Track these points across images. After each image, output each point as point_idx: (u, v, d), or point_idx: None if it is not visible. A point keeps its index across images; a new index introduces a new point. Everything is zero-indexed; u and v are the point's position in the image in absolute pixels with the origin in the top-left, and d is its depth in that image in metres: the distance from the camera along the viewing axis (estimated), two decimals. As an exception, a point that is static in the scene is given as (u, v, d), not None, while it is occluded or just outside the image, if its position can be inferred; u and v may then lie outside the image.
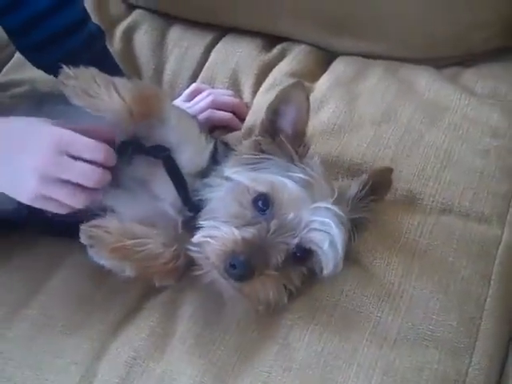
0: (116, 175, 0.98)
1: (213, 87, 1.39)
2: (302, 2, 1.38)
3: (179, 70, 1.44)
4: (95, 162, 0.91)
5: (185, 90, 1.38)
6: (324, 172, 0.97)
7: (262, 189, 0.94)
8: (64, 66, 0.95)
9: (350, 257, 1.02)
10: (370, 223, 1.02)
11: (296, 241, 0.92)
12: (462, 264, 1.02)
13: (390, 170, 1.06)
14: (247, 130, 1.25)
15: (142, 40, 1.48)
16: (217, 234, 0.91)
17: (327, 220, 0.92)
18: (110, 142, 0.95)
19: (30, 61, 1.24)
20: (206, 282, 0.95)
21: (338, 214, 0.93)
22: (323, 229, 0.92)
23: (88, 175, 0.91)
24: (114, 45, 1.45)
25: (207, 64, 1.43)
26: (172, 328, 0.99)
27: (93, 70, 0.96)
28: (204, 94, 1.35)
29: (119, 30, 1.49)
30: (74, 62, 0.97)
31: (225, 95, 1.36)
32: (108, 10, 1.52)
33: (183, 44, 1.46)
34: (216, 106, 1.32)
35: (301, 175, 0.94)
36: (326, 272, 0.96)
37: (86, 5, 1.28)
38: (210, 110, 1.31)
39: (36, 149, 0.90)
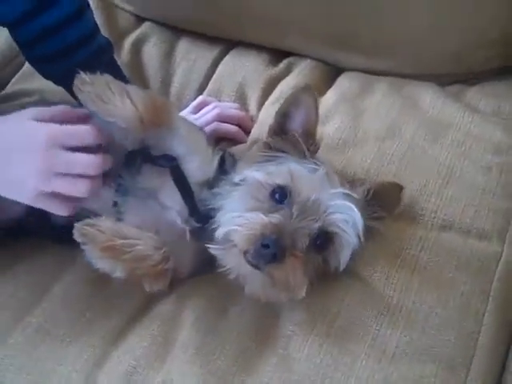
0: (125, 184, 1.02)
1: (219, 100, 1.41)
2: (309, 17, 1.39)
3: (186, 83, 1.46)
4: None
5: (191, 102, 1.40)
6: (334, 168, 1.01)
7: (278, 181, 0.97)
8: (81, 72, 0.98)
9: (350, 270, 1.03)
10: (375, 233, 1.03)
11: (318, 224, 0.94)
12: (462, 280, 1.03)
13: (400, 188, 1.08)
14: (252, 143, 1.26)
15: (151, 52, 1.50)
16: (243, 221, 0.92)
17: (348, 203, 0.95)
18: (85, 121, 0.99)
19: (39, 72, 1.26)
20: (232, 277, 0.96)
21: (357, 200, 0.97)
22: (344, 211, 0.95)
23: (86, 163, 0.94)
24: (123, 56, 1.47)
25: (214, 77, 1.45)
26: (173, 337, 1.00)
27: (107, 77, 0.99)
28: (210, 106, 1.37)
29: (128, 42, 1.51)
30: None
31: (231, 108, 1.38)
32: (117, 22, 1.54)
33: (191, 57, 1.49)
34: (222, 118, 1.34)
35: (315, 166, 0.98)
36: (345, 258, 0.98)
37: (95, 17, 1.31)
38: (216, 123, 1.33)
39: (31, 148, 0.93)
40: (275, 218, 0.92)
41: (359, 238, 0.97)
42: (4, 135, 0.96)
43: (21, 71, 1.49)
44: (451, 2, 1.31)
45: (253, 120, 1.38)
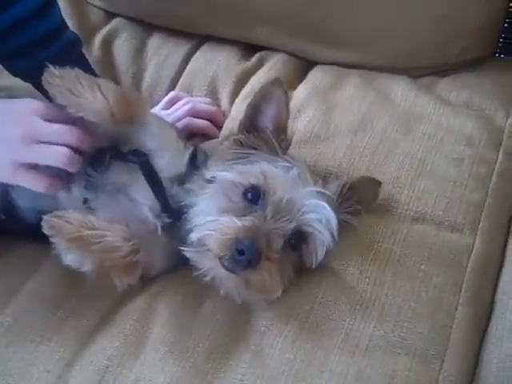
0: (94, 180, 1.01)
1: (191, 95, 1.41)
2: (281, 11, 1.39)
3: (158, 78, 1.45)
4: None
5: (163, 97, 1.39)
6: (307, 165, 1.00)
7: (250, 181, 0.96)
8: (50, 65, 0.97)
9: (324, 264, 1.02)
10: (350, 226, 1.04)
11: (293, 225, 0.94)
12: (434, 272, 1.03)
13: (377, 183, 1.08)
14: (224, 138, 1.26)
15: (122, 48, 1.49)
16: (217, 226, 0.91)
17: (321, 202, 0.95)
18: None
19: (7, 69, 1.24)
20: (207, 280, 0.95)
21: (330, 198, 0.97)
22: (318, 210, 0.95)
23: (67, 132, 0.95)
24: (93, 53, 1.47)
25: (186, 72, 1.45)
26: (145, 335, 0.99)
27: (77, 71, 0.98)
28: (182, 101, 1.36)
29: (98, 38, 1.50)
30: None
31: (203, 103, 1.38)
32: (87, 18, 1.53)
33: (162, 52, 1.48)
34: (194, 113, 1.34)
35: (287, 164, 0.97)
36: (319, 257, 0.98)
37: (64, 13, 1.29)
38: (187, 118, 1.32)
39: (15, 118, 0.95)
40: (249, 220, 0.91)
41: (333, 236, 0.97)
42: None
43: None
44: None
45: (225, 115, 1.37)
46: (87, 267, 0.94)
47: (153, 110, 1.35)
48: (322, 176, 1.11)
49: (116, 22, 1.53)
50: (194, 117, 1.33)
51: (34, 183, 0.95)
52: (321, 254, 0.99)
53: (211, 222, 0.93)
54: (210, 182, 1.00)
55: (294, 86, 1.37)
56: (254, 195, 0.96)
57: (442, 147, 1.19)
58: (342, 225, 1.01)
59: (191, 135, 1.32)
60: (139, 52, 1.48)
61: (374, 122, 1.25)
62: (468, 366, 0.97)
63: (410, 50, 1.39)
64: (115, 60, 1.48)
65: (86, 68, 1.29)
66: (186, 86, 1.43)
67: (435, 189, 1.13)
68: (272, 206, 0.94)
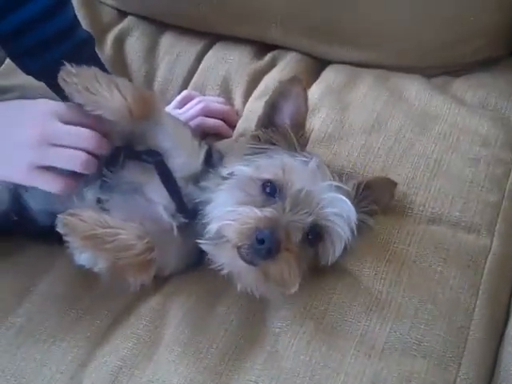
0: (109, 180, 1.01)
1: (204, 94, 1.40)
2: (294, 10, 1.37)
3: (170, 77, 1.44)
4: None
5: (175, 97, 1.38)
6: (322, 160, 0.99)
7: (268, 176, 0.95)
8: (66, 63, 0.96)
9: (339, 265, 1.02)
10: (366, 227, 1.02)
11: (311, 218, 0.93)
12: (451, 274, 1.02)
13: (393, 184, 1.07)
14: (238, 137, 1.25)
15: (134, 47, 1.48)
16: (236, 216, 0.90)
17: (340, 196, 0.94)
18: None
19: (19, 67, 1.23)
20: (224, 273, 0.94)
21: (349, 193, 0.96)
22: (337, 204, 0.94)
23: (85, 136, 0.94)
24: (105, 51, 1.46)
25: (198, 71, 1.44)
26: (159, 336, 0.98)
27: (95, 69, 0.98)
28: (195, 101, 1.35)
29: (110, 37, 1.49)
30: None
31: (216, 102, 1.36)
32: (99, 16, 1.52)
33: (174, 51, 1.47)
34: (207, 113, 1.32)
35: (306, 159, 0.96)
36: (336, 253, 0.97)
37: (77, 12, 1.28)
38: (200, 117, 1.31)
39: (31, 119, 0.93)
40: (269, 211, 0.90)
41: (352, 231, 0.96)
42: (4, 110, 0.96)
43: (1, 67, 1.47)
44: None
45: (238, 114, 1.36)
46: (101, 266, 0.94)
47: (171, 105, 1.35)
48: (338, 175, 1.10)
49: (128, 21, 1.52)
50: (207, 116, 1.32)
51: (49, 185, 0.95)
52: (338, 250, 0.97)
53: (230, 212, 0.92)
54: (226, 178, 0.99)
55: (307, 85, 1.34)
56: (271, 189, 0.95)
57: (458, 147, 1.18)
58: (359, 225, 0.99)
59: (204, 135, 1.30)
60: (151, 51, 1.47)
61: (388, 122, 1.23)
62: (485, 368, 0.97)
63: (423, 49, 1.37)
64: (127, 59, 1.47)
65: (99, 67, 1.29)
66: (199, 85, 1.41)
67: (451, 189, 1.12)
68: (291, 198, 0.93)
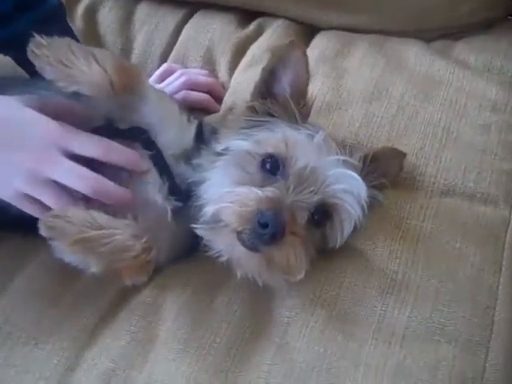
0: (93, 165, 0.88)
1: (186, 67, 1.30)
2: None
3: (148, 50, 1.35)
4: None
5: (155, 70, 1.28)
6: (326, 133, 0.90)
7: (268, 150, 0.86)
8: (35, 35, 0.86)
9: (349, 245, 0.93)
10: (376, 203, 0.94)
11: (318, 196, 0.85)
12: (471, 250, 0.94)
13: (402, 155, 0.99)
14: (227, 111, 1.15)
15: (107, 18, 1.39)
16: (235, 197, 0.81)
17: (349, 171, 0.86)
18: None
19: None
20: (222, 260, 0.85)
21: (358, 167, 0.88)
22: (346, 181, 0.86)
23: (85, 178, 0.84)
24: (75, 24, 1.36)
25: (178, 42, 1.34)
26: (155, 332, 0.88)
27: (68, 39, 0.88)
28: (176, 74, 1.26)
29: (81, 8, 1.39)
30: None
31: (199, 75, 1.27)
32: (68, -15, 1.40)
33: (152, 21, 1.37)
34: (190, 86, 1.23)
35: (309, 132, 0.87)
36: (345, 233, 0.89)
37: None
38: (184, 91, 1.22)
39: (25, 142, 0.83)
40: (271, 191, 0.81)
41: (363, 209, 0.88)
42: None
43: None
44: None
45: (224, 87, 1.27)
46: (94, 269, 0.84)
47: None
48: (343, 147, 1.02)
49: (99, -10, 1.41)
50: (191, 90, 1.22)
51: (35, 212, 0.85)
52: (348, 229, 0.89)
53: (227, 193, 0.82)
54: (220, 154, 0.90)
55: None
56: (272, 165, 0.86)
57: (466, 114, 1.10)
58: (367, 201, 0.90)
59: (188, 109, 1.20)
60: (126, 22, 1.37)
61: (389, 89, 1.14)
62: (514, 351, 0.88)
63: (419, 10, 1.29)
64: (100, 31, 1.37)
65: (73, 39, 1.18)
66: (180, 58, 1.32)
67: (463, 159, 1.04)
68: (294, 175, 0.84)
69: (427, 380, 0.82)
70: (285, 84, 0.91)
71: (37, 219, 0.83)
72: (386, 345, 0.84)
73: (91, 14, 1.37)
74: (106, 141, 0.86)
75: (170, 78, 1.24)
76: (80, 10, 1.37)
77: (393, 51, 1.25)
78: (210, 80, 1.26)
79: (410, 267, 0.92)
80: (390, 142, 1.05)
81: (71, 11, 1.35)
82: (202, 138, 0.95)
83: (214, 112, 1.21)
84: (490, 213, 0.99)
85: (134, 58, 1.33)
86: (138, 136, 0.92)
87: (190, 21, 1.36)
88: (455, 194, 1.01)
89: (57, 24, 1.14)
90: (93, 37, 1.35)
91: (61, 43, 0.87)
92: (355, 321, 0.87)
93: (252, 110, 0.92)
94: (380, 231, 0.95)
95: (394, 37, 1.29)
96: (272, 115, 0.91)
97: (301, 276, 0.85)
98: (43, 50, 0.85)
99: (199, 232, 0.85)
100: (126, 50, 1.34)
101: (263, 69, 0.92)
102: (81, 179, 0.83)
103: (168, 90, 1.21)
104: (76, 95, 0.88)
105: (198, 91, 1.23)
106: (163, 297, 0.92)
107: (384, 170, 0.95)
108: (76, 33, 1.21)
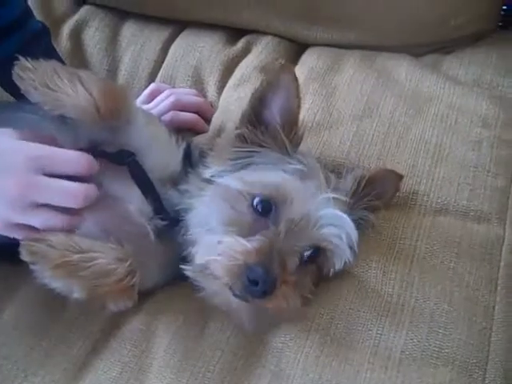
0: None
1: (174, 86, 1.28)
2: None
3: (135, 70, 1.33)
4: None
5: (143, 90, 1.26)
6: (318, 162, 0.89)
7: (261, 192, 0.84)
8: (21, 57, 0.84)
9: (343, 268, 0.91)
10: (368, 224, 0.93)
11: (309, 242, 0.84)
12: (466, 269, 0.93)
13: (399, 177, 0.97)
14: (216, 132, 1.14)
15: (93, 38, 1.36)
16: (223, 249, 0.79)
17: (339, 213, 0.84)
18: None
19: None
20: (215, 303, 0.84)
21: (344, 202, 0.86)
22: (336, 223, 0.84)
23: (69, 193, 0.81)
24: (61, 44, 1.34)
25: (166, 61, 1.33)
26: (147, 361, 0.86)
27: (54, 62, 0.86)
28: (164, 94, 1.24)
29: (66, 29, 1.36)
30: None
31: (188, 94, 1.25)
32: (52, 6, 1.39)
33: (138, 41, 1.36)
34: (179, 106, 1.21)
35: (299, 167, 0.86)
36: (337, 268, 0.88)
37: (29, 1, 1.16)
38: (172, 112, 1.20)
39: (6, 170, 0.80)
40: (259, 241, 0.79)
41: (353, 250, 0.87)
42: None
43: None
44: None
45: (213, 106, 1.25)
46: (77, 295, 0.82)
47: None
48: (330, 169, 1.00)
49: (84, 11, 1.39)
50: (179, 110, 1.20)
51: (23, 237, 0.83)
52: (339, 266, 0.88)
53: (216, 244, 0.81)
54: (208, 181, 0.88)
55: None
56: (264, 208, 0.84)
57: (458, 129, 1.09)
58: (360, 223, 0.90)
59: (177, 131, 1.18)
60: (112, 42, 1.35)
61: (379, 106, 1.14)
62: (512, 372, 0.87)
63: (408, 26, 1.29)
64: (86, 52, 1.34)
65: (56, 60, 1.17)
66: (168, 77, 1.30)
67: (456, 176, 1.03)
68: (286, 221, 0.82)
69: (425, 405, 0.80)
70: (275, 110, 0.89)
71: (18, 245, 0.81)
72: (382, 370, 0.83)
73: (77, 34, 1.35)
74: (83, 155, 0.83)
75: (158, 98, 1.22)
76: (66, 30, 1.35)
77: (383, 67, 1.24)
78: (198, 100, 1.24)
79: (404, 289, 0.90)
80: (381, 160, 1.05)
81: (57, 32, 1.34)
82: (190, 161, 0.93)
83: (203, 132, 1.19)
84: (485, 231, 0.98)
85: (121, 78, 1.31)
86: (125, 159, 0.90)
87: (177, 39, 1.34)
88: (448, 212, 1.00)
89: (41, 45, 1.13)
90: (79, 57, 1.33)
91: (46, 66, 0.85)
92: (350, 345, 0.86)
93: (240, 138, 0.89)
94: (374, 252, 0.94)
95: (384, 52, 1.28)
96: (261, 145, 0.88)
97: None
98: (28, 73, 0.84)
99: (188, 274, 0.83)
100: (113, 70, 1.32)
101: (252, 95, 0.90)
102: (67, 195, 0.81)
103: (157, 110, 1.19)
104: (62, 117, 0.86)
105: (187, 111, 1.21)
106: (155, 324, 0.90)
107: (380, 192, 0.94)
108: (60, 54, 1.20)
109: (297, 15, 1.30)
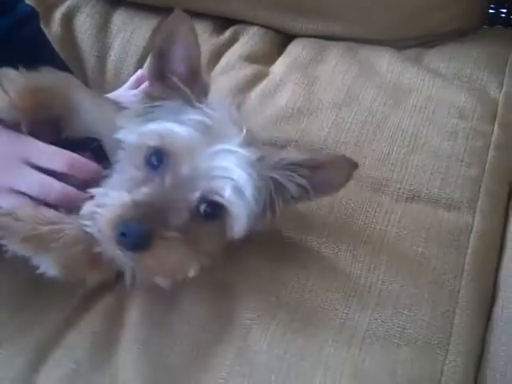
0: None
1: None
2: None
3: (124, 56, 1.34)
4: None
5: (130, 76, 1.28)
6: (233, 113, 0.83)
7: (151, 142, 0.80)
8: None
9: (312, 248, 0.95)
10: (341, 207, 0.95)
11: (197, 194, 0.78)
12: (433, 254, 0.95)
13: (354, 166, 0.87)
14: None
15: (84, 24, 1.37)
16: (105, 201, 0.77)
17: (228, 164, 0.78)
18: None
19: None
20: (108, 258, 0.82)
21: (246, 157, 0.79)
22: (224, 174, 0.78)
23: (48, 187, 0.83)
24: (52, 29, 1.35)
25: (154, 48, 1.33)
26: (117, 334, 0.89)
27: None
28: (151, 80, 1.24)
29: (58, 14, 1.38)
30: (4, 45, 0.87)
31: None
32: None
33: (128, 28, 1.37)
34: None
35: (196, 117, 0.80)
36: (237, 227, 0.81)
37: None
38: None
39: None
40: (141, 194, 0.77)
41: (250, 204, 0.80)
42: None
43: None
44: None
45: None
46: (52, 270, 0.82)
47: (119, 90, 1.25)
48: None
49: (77, -4, 1.41)
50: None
51: None
52: (241, 224, 0.81)
53: (102, 196, 0.79)
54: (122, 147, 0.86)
55: (272, 60, 1.29)
56: (157, 159, 0.79)
57: (435, 121, 1.11)
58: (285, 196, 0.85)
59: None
60: (103, 29, 1.37)
61: (359, 96, 1.16)
62: (474, 353, 0.89)
63: (394, 19, 1.30)
64: (77, 38, 1.36)
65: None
66: (156, 64, 1.31)
67: (429, 165, 1.05)
68: (172, 173, 0.78)
69: (386, 382, 0.83)
70: (178, 62, 0.84)
71: None
72: (345, 347, 0.86)
73: (68, 20, 1.37)
74: (68, 154, 0.85)
75: (145, 85, 1.25)
76: (57, 15, 1.37)
77: (366, 58, 1.26)
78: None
79: (372, 271, 0.93)
80: (358, 146, 1.07)
81: (48, 17, 1.36)
82: None
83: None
84: (454, 218, 1.00)
85: (111, 63, 1.33)
86: (88, 146, 0.90)
87: (166, 27, 1.36)
88: (420, 200, 1.02)
89: (28, 30, 1.13)
90: (69, 42, 1.35)
91: None
92: (317, 324, 0.88)
93: (147, 95, 0.86)
94: (344, 235, 0.96)
95: (368, 44, 1.30)
96: (164, 99, 0.84)
97: (189, 275, 0.81)
98: None
99: (87, 229, 0.80)
100: (103, 55, 1.34)
101: (152, 52, 0.86)
102: (44, 188, 0.83)
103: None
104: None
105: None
106: (127, 299, 0.92)
107: (329, 177, 0.87)
108: (51, 38, 1.22)
109: (284, 6, 1.31)
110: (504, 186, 1.07)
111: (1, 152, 0.83)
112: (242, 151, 0.79)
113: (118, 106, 0.94)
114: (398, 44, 1.31)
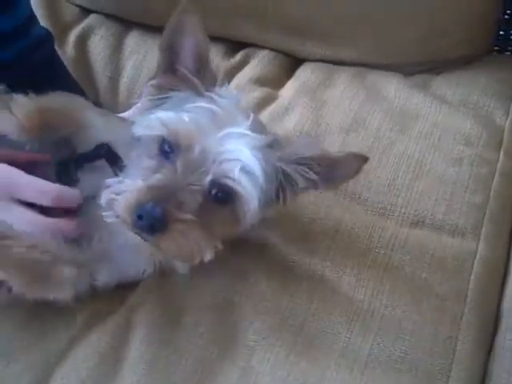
0: None
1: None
2: (266, 6, 1.31)
3: (137, 77, 1.37)
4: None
5: (142, 97, 1.30)
6: (240, 100, 0.86)
7: (161, 132, 0.82)
8: None
9: (317, 272, 0.96)
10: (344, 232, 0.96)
11: (209, 178, 0.80)
12: (436, 280, 0.96)
13: (364, 159, 0.89)
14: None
15: (98, 46, 1.41)
16: (122, 188, 0.80)
17: (236, 146, 0.80)
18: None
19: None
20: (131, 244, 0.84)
21: (254, 140, 0.81)
22: (233, 157, 0.80)
23: (34, 225, 0.84)
24: (67, 51, 1.38)
25: (166, 71, 1.36)
26: (123, 353, 0.90)
27: None
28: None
29: (72, 36, 1.41)
30: (19, 68, 0.89)
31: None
32: (61, 14, 1.44)
33: (141, 50, 1.39)
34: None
35: (203, 104, 0.82)
36: (248, 211, 0.82)
37: (37, 9, 1.21)
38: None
39: None
40: (154, 179, 0.79)
41: (260, 186, 0.82)
42: None
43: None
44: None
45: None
46: (15, 286, 0.83)
47: (131, 111, 1.27)
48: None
49: (91, 19, 1.44)
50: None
51: None
52: (253, 207, 0.83)
53: (118, 183, 0.81)
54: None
55: (281, 83, 1.31)
56: (170, 147, 0.81)
57: (440, 147, 1.13)
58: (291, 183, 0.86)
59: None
60: (116, 50, 1.39)
61: (366, 121, 1.18)
62: (475, 380, 0.90)
63: (401, 45, 1.32)
64: (91, 59, 1.39)
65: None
66: (167, 86, 1.34)
67: (434, 191, 1.07)
68: (183, 158, 0.80)
69: (385, 407, 0.84)
70: (186, 55, 0.86)
71: None
72: (347, 371, 0.87)
73: (82, 41, 1.40)
74: (54, 188, 0.85)
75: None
76: (72, 37, 1.40)
77: (373, 84, 1.28)
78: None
79: (375, 296, 0.94)
80: (363, 172, 1.06)
81: (63, 39, 1.38)
82: None
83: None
84: (458, 245, 1.01)
85: (122, 85, 1.36)
86: (99, 152, 0.91)
87: (178, 50, 1.39)
88: (424, 225, 1.03)
89: (43, 52, 1.17)
90: (83, 65, 1.37)
91: None
92: (320, 347, 0.89)
93: (156, 88, 0.88)
94: (348, 259, 0.98)
95: (376, 70, 1.32)
96: (173, 89, 0.86)
97: (207, 258, 0.83)
98: None
99: (107, 219, 0.81)
100: (115, 77, 1.37)
101: (160, 45, 0.87)
102: (31, 226, 0.84)
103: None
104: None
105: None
106: (133, 318, 0.93)
107: (339, 173, 0.90)
108: (65, 60, 1.24)
109: (294, 31, 1.33)
110: (508, 213, 1.08)
111: None
112: (250, 134, 0.81)
113: (128, 122, 0.96)
114: (404, 69, 1.33)
